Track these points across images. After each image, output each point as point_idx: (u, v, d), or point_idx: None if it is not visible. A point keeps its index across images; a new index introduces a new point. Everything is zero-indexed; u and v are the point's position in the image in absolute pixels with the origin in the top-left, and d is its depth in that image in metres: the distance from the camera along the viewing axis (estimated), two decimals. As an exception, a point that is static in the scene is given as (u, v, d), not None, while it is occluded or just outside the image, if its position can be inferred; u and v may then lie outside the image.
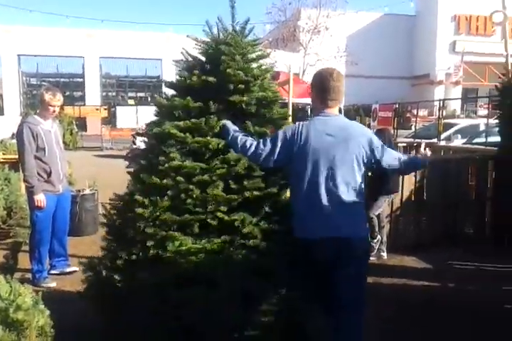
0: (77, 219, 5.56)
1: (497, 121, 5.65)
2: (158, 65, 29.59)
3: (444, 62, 33.38)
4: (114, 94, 31.95)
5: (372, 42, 33.37)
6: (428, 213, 5.45)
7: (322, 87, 2.48)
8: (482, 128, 10.75)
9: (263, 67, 2.73)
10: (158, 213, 2.40)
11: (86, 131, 21.65)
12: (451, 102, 28.67)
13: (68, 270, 4.43)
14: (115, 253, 2.52)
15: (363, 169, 2.47)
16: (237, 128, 2.54)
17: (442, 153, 6.87)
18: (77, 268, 4.37)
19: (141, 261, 2.40)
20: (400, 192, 5.19)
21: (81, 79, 29.71)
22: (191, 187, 2.40)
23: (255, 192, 2.45)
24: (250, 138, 2.50)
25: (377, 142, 2.50)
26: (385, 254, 4.96)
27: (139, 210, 2.39)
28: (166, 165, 2.42)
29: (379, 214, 4.92)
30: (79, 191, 5.83)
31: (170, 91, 2.79)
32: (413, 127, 12.67)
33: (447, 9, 33.44)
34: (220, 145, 2.50)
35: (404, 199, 5.27)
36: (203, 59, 2.68)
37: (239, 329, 2.32)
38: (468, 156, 5.97)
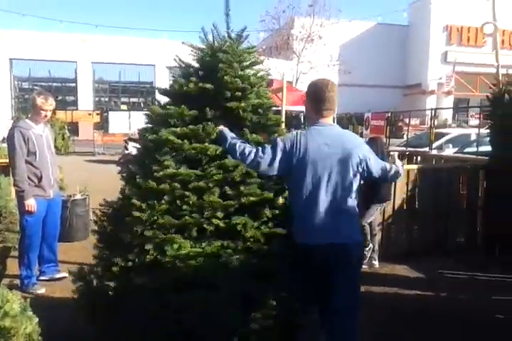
0: (68, 224, 5.51)
1: (488, 131, 5.68)
2: (152, 71, 29.64)
3: (436, 72, 33.76)
4: (106, 99, 31.91)
5: (365, 51, 33.69)
6: (420, 222, 5.47)
7: (317, 97, 2.55)
8: (473, 137, 10.84)
9: (259, 75, 2.76)
10: (155, 217, 2.39)
11: (78, 135, 21.57)
12: (442, 112, 28.95)
13: (58, 276, 4.38)
14: (109, 260, 2.48)
15: (358, 178, 2.55)
16: (234, 135, 2.55)
17: (434, 162, 6.91)
18: (66, 275, 4.31)
19: (138, 266, 2.37)
20: (392, 200, 5.20)
21: (73, 84, 29.66)
22: (187, 193, 2.39)
23: (251, 198, 2.46)
24: (248, 145, 2.52)
25: (369, 152, 2.60)
26: (376, 263, 4.96)
27: (137, 213, 2.38)
28: (161, 173, 2.41)
29: (371, 222, 4.93)
30: (70, 196, 5.78)
31: (163, 98, 2.79)
32: (405, 136, 12.72)
33: (439, 20, 33.91)
34: (217, 152, 2.50)
35: (396, 207, 5.29)
36: (200, 66, 2.68)
37: (238, 332, 2.33)
38: (459, 165, 6.01)
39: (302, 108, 11.17)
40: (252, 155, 2.44)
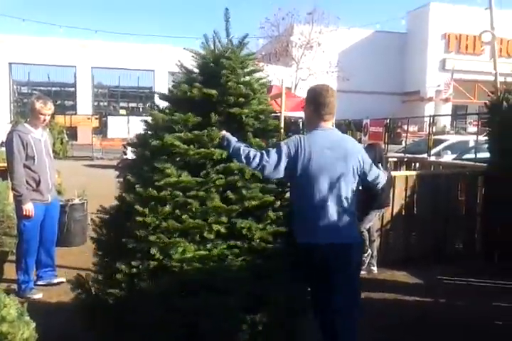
0: (66, 229, 5.49)
1: (486, 137, 5.70)
2: (151, 76, 29.69)
3: (434, 80, 33.91)
4: (105, 104, 31.93)
5: (363, 58, 33.83)
6: (418, 228, 5.47)
7: (318, 102, 2.63)
8: (472, 144, 10.86)
9: (261, 81, 2.79)
10: (158, 221, 2.38)
11: (77, 140, 21.55)
12: (441, 119, 29.03)
13: (55, 281, 4.36)
14: (111, 267, 2.46)
15: (356, 180, 2.66)
16: (236, 140, 2.57)
17: (432, 169, 6.92)
18: (64, 279, 4.31)
19: (143, 271, 2.37)
20: (391, 206, 5.20)
21: (73, 89, 29.68)
22: (190, 200, 2.40)
23: (253, 202, 2.48)
24: (252, 149, 2.55)
25: (366, 157, 2.74)
26: (375, 268, 4.95)
27: (139, 218, 2.37)
28: (162, 181, 2.41)
29: (369, 228, 4.92)
30: (68, 200, 5.77)
31: (162, 103, 2.79)
32: (403, 142, 12.76)
33: (438, 28, 34.11)
34: (223, 156, 2.51)
35: (394, 213, 5.28)
36: (203, 71, 2.69)
37: (247, 333, 2.35)
38: (458, 172, 6.01)
39: (301, 114, 11.21)
40: (257, 159, 2.48)
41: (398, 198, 5.27)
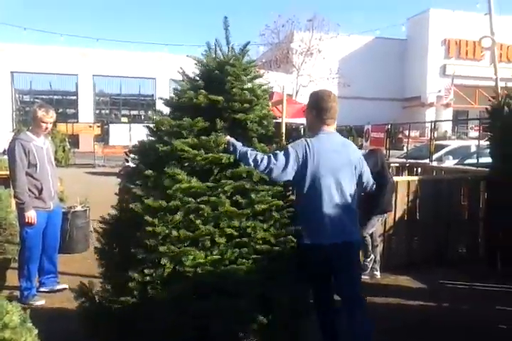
0: (68, 236, 5.49)
1: (488, 142, 5.71)
2: (152, 84, 29.83)
3: (435, 85, 33.98)
4: (107, 111, 32.06)
5: (364, 64, 33.96)
6: (421, 233, 5.46)
7: (321, 106, 2.73)
8: (473, 149, 10.86)
9: (263, 87, 2.83)
10: (168, 230, 2.38)
11: (78, 148, 21.62)
12: (442, 124, 29.08)
13: (58, 287, 4.36)
14: (122, 275, 2.45)
15: (356, 182, 2.83)
16: (241, 144, 2.60)
17: (434, 174, 6.92)
18: (66, 286, 4.31)
19: (156, 278, 2.37)
20: (393, 211, 5.20)
21: (74, 97, 29.83)
22: (202, 206, 2.41)
23: (263, 206, 2.51)
24: (259, 152, 2.59)
25: (363, 160, 2.92)
26: (378, 273, 4.94)
27: (149, 228, 2.37)
28: (174, 187, 2.41)
29: (372, 233, 4.92)
30: (70, 208, 5.77)
31: (165, 110, 2.80)
32: (405, 148, 12.75)
33: (437, 34, 34.25)
34: (230, 160, 2.54)
35: (397, 218, 5.28)
36: (208, 78, 2.71)
37: (256, 333, 2.39)
38: (460, 177, 6.01)
39: (302, 120, 11.24)
40: (265, 162, 2.52)
41: (400, 203, 5.27)
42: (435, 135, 11.17)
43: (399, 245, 5.34)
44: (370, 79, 33.92)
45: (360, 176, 2.84)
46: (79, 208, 5.85)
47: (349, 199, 2.71)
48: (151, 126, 2.73)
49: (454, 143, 12.77)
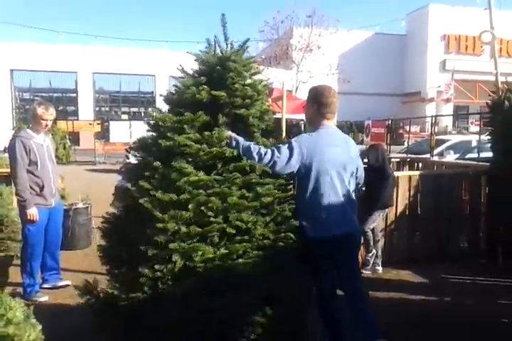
0: (70, 232, 5.51)
1: (489, 137, 5.70)
2: (152, 81, 29.76)
3: (435, 80, 33.92)
4: (107, 109, 32.00)
5: (363, 60, 33.88)
6: (422, 227, 5.46)
7: (321, 101, 2.77)
8: (474, 144, 10.86)
9: (264, 83, 2.85)
10: (177, 227, 2.39)
11: (79, 145, 21.60)
12: (442, 119, 29.05)
13: (60, 284, 4.37)
14: (131, 272, 2.46)
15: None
16: (243, 139, 2.61)
17: (435, 169, 6.91)
18: (69, 282, 4.33)
19: (167, 274, 2.39)
20: (395, 206, 5.20)
21: (74, 94, 29.76)
22: (212, 198, 2.42)
23: (268, 198, 2.53)
24: (262, 146, 2.61)
25: (359, 155, 3.04)
26: (380, 268, 4.95)
27: (160, 225, 2.38)
28: (182, 180, 2.41)
29: (373, 228, 4.93)
30: (72, 205, 5.78)
31: (165, 106, 2.81)
32: (406, 143, 12.75)
33: (437, 29, 34.15)
34: (234, 154, 2.55)
35: (398, 213, 5.28)
36: (209, 74, 2.72)
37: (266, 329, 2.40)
38: (461, 171, 6.00)
39: (302, 116, 11.24)
40: (269, 155, 2.55)
41: (402, 198, 5.27)
42: (436, 130, 11.17)
43: (400, 240, 5.35)
44: (370, 75, 33.85)
45: (357, 170, 2.91)
46: (80, 205, 5.86)
47: (351, 193, 2.79)
48: (153, 122, 2.73)
49: (454, 138, 12.76)
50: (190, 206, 2.41)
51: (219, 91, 2.59)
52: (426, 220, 5.42)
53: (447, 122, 30.92)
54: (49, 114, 4.16)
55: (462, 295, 4.30)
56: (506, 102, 5.32)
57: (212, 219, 2.41)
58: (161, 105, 2.89)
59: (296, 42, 26.14)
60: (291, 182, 2.83)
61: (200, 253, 2.37)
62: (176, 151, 2.49)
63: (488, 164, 5.76)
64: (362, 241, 4.98)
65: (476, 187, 5.69)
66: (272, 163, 2.55)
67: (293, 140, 2.69)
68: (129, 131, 19.14)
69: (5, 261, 4.94)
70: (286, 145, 2.64)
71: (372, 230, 4.92)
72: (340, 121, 18.98)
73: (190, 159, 2.50)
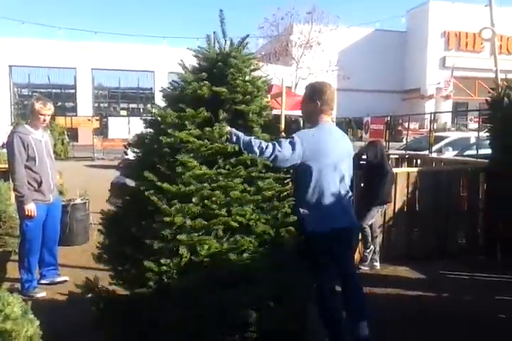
0: (68, 228, 5.51)
1: (488, 134, 5.70)
2: (151, 77, 29.71)
3: (435, 77, 33.90)
4: (106, 105, 31.98)
5: (363, 57, 33.84)
6: (420, 224, 5.46)
7: (323, 98, 2.83)
8: (473, 141, 10.86)
9: (263, 79, 2.87)
10: (184, 220, 2.39)
11: (77, 141, 21.59)
12: (441, 116, 29.07)
13: (58, 279, 4.37)
14: (138, 267, 2.45)
15: None
16: (243, 134, 2.62)
17: (434, 165, 6.91)
18: (67, 278, 4.33)
19: (173, 268, 2.39)
20: (393, 202, 5.20)
21: (73, 90, 29.73)
22: (216, 192, 2.44)
23: (270, 192, 2.55)
24: (262, 140, 2.64)
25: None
26: (378, 264, 4.96)
27: (167, 219, 2.38)
28: (188, 174, 2.42)
29: (372, 224, 4.93)
30: (70, 200, 5.78)
31: (163, 103, 2.80)
32: (404, 139, 12.76)
33: (437, 26, 34.10)
34: (235, 149, 2.57)
35: (396, 209, 5.28)
36: (210, 70, 2.72)
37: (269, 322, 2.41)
38: (460, 168, 6.01)
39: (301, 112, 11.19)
40: (270, 149, 2.57)
41: (400, 194, 5.27)
42: (434, 127, 11.17)
43: (398, 236, 5.35)
44: (370, 72, 33.82)
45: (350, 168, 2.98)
46: (78, 201, 5.85)
47: (348, 187, 2.86)
48: (152, 118, 2.73)
49: (453, 135, 12.78)
50: (194, 199, 2.41)
51: (220, 87, 2.60)
52: (424, 217, 5.42)
53: (446, 119, 30.95)
54: (47, 109, 4.15)
55: (459, 291, 4.30)
56: (506, 99, 5.31)
57: (217, 211, 2.42)
58: (159, 101, 2.89)
59: (295, 39, 26.07)
60: (289, 176, 2.84)
61: (206, 246, 2.38)
62: (178, 147, 2.49)
63: (486, 161, 5.77)
64: (360, 237, 5.01)
65: (474, 183, 5.69)
66: (273, 156, 2.57)
67: (294, 135, 2.71)
68: (127, 127, 19.16)
69: (3, 257, 4.94)
70: (288, 139, 2.67)
71: (371, 226, 4.92)
72: (340, 118, 18.99)
73: (191, 155, 2.50)
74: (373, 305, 3.10)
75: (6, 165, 4.40)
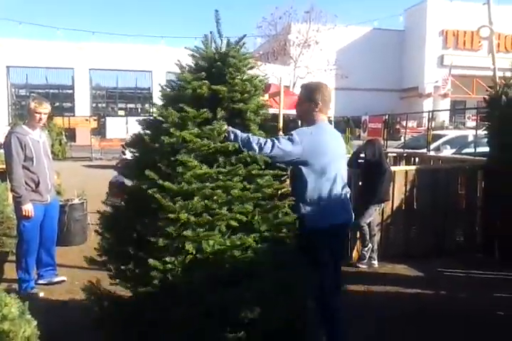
0: (66, 228, 5.50)
1: (485, 132, 5.70)
2: (149, 77, 29.70)
3: (433, 76, 33.93)
4: (104, 105, 31.98)
5: (361, 56, 33.86)
6: (418, 222, 5.47)
7: (321, 98, 2.87)
8: (471, 139, 10.88)
9: (260, 78, 2.87)
10: (189, 217, 2.39)
11: (75, 141, 21.56)
12: (439, 114, 29.08)
13: (56, 280, 4.36)
14: (142, 266, 2.43)
15: None
16: (240, 131, 2.61)
17: (432, 163, 6.92)
18: (65, 278, 4.33)
19: (178, 266, 2.39)
20: (391, 201, 5.21)
21: (71, 91, 29.73)
22: (217, 191, 2.44)
23: (269, 190, 2.55)
24: (261, 137, 2.64)
25: None
26: (376, 262, 4.96)
27: (172, 216, 2.37)
28: (189, 173, 2.42)
29: (370, 222, 4.93)
30: (67, 201, 5.77)
31: (160, 102, 2.80)
32: (402, 138, 12.76)
33: (435, 24, 34.13)
34: (236, 147, 2.56)
35: (394, 208, 5.29)
36: (208, 70, 2.71)
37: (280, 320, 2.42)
38: (457, 166, 6.01)
39: (299, 111, 11.17)
40: (270, 145, 2.58)
41: (398, 193, 5.28)
42: (432, 125, 11.16)
43: (396, 234, 5.36)
44: (368, 70, 33.84)
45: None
46: (76, 201, 5.84)
47: (346, 184, 2.92)
48: (151, 118, 2.73)
49: (451, 133, 12.79)
50: (195, 199, 2.41)
51: (219, 86, 2.60)
52: (422, 215, 5.43)
53: (444, 117, 30.96)
54: (43, 107, 4.14)
55: (457, 289, 4.31)
56: (503, 97, 5.32)
57: (217, 211, 2.42)
58: (157, 100, 2.88)
59: (294, 38, 26.07)
60: (285, 173, 2.83)
61: (211, 243, 2.38)
62: (179, 147, 2.49)
63: (484, 159, 5.77)
64: (358, 235, 5.01)
65: (472, 181, 5.70)
66: (272, 152, 2.58)
67: (293, 132, 2.74)
68: (125, 127, 19.13)
69: (0, 257, 4.93)
70: (287, 136, 2.70)
71: (369, 224, 4.92)
72: (338, 117, 19.00)
73: (192, 154, 2.50)
74: (372, 304, 3.11)
75: (4, 166, 4.38)
